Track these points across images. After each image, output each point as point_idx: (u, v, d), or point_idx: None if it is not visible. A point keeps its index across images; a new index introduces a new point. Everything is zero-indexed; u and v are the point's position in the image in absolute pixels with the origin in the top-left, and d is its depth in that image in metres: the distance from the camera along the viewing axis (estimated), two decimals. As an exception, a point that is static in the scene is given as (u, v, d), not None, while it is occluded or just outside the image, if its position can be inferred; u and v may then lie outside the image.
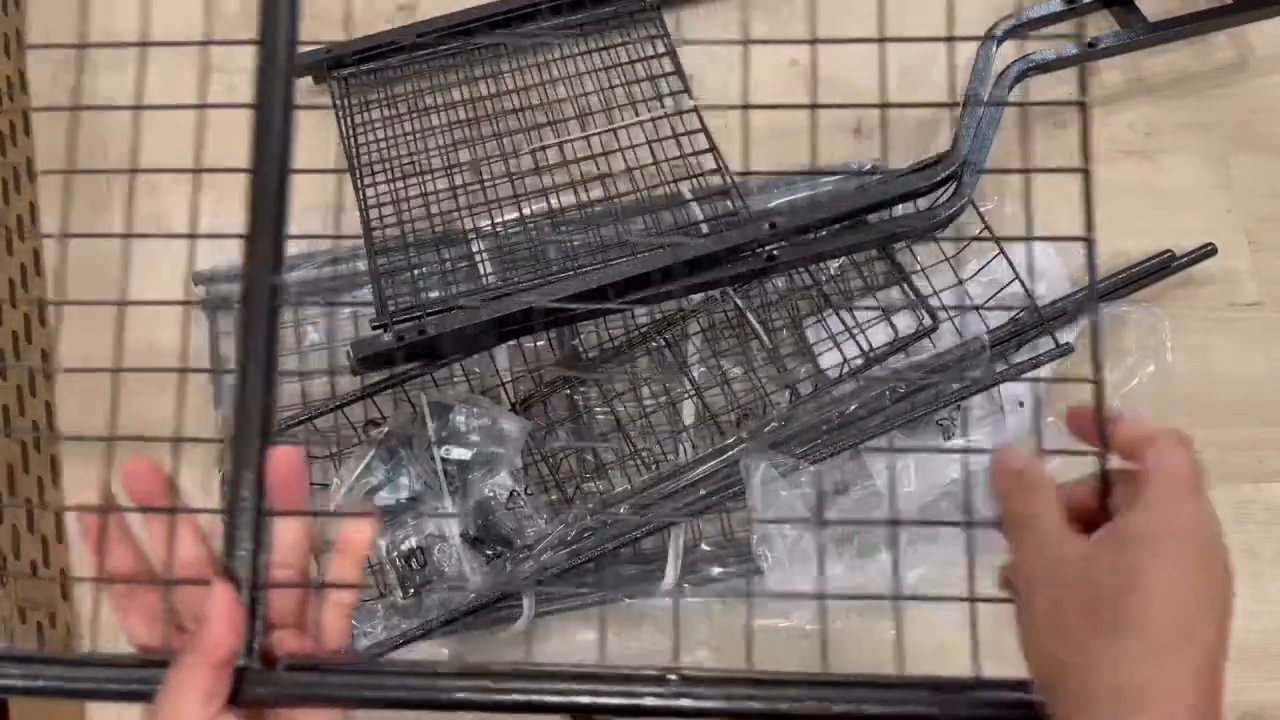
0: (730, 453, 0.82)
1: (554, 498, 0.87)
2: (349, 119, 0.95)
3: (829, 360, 0.89)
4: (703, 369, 0.91)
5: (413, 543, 0.81)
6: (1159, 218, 0.99)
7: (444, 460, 0.80)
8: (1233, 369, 0.95)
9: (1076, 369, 0.91)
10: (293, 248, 0.93)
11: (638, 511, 0.82)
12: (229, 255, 0.93)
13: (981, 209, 0.92)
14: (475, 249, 0.89)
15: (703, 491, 0.82)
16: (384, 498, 0.81)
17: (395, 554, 0.81)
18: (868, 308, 0.90)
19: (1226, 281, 0.97)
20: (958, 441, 0.86)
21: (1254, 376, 0.95)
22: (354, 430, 0.88)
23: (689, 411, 0.89)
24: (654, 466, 0.87)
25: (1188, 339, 0.93)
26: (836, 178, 0.96)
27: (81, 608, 0.87)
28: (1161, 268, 0.94)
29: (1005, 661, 0.78)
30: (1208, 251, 0.95)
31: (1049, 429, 0.87)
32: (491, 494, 0.82)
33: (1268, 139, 1.03)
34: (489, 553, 0.81)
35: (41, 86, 1.03)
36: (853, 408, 0.84)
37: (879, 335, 0.89)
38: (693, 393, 0.89)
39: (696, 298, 0.91)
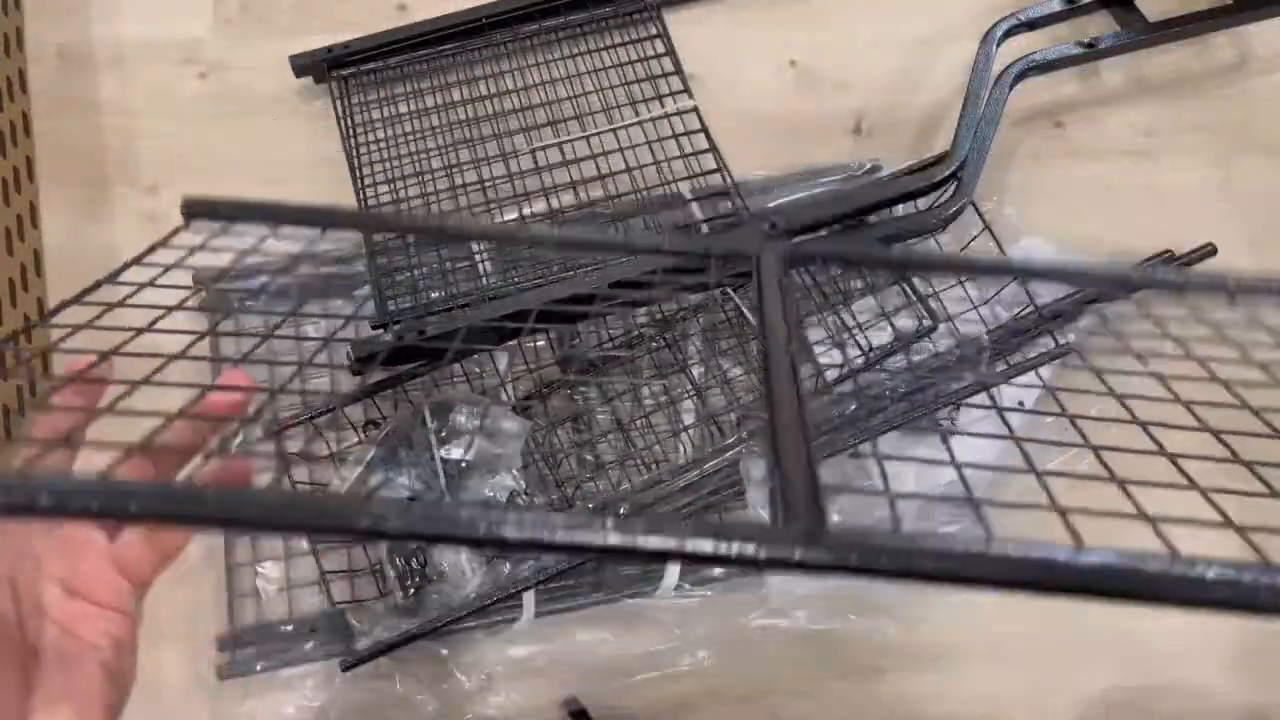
0: (730, 453, 0.82)
1: (554, 498, 0.87)
2: (349, 119, 0.95)
3: (829, 360, 0.89)
4: (702, 369, 0.91)
5: (411, 543, 0.81)
6: (1159, 218, 0.99)
7: (444, 460, 0.80)
8: (1232, 368, 0.95)
9: (1077, 369, 0.91)
10: (292, 247, 0.94)
11: (638, 512, 0.82)
12: (228, 256, 0.93)
13: (981, 209, 0.92)
14: (475, 249, 0.89)
15: (704, 491, 0.82)
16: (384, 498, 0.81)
17: (395, 554, 0.81)
18: (865, 292, 0.90)
19: (1227, 281, 0.97)
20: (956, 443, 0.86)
21: (1254, 377, 0.95)
22: (354, 430, 0.88)
23: (689, 411, 0.89)
24: (654, 466, 0.87)
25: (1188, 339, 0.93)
26: (836, 178, 0.97)
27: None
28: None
29: (1003, 662, 0.78)
30: (1208, 251, 0.95)
31: (1049, 429, 0.87)
32: (492, 494, 0.82)
33: (1268, 139, 1.03)
34: (489, 552, 0.81)
35: (41, 87, 1.03)
36: (853, 408, 0.84)
37: (879, 335, 0.89)
38: (693, 393, 0.89)
39: (695, 297, 0.91)
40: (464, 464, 0.80)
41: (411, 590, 0.80)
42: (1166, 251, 0.95)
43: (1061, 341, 0.86)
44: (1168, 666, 0.86)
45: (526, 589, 0.80)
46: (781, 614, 0.85)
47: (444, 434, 0.80)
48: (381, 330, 0.79)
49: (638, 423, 0.89)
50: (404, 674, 0.83)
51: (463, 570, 0.79)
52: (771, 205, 0.93)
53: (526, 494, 0.82)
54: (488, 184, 0.90)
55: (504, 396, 0.89)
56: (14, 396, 0.87)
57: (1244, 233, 0.99)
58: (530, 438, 0.85)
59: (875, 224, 0.88)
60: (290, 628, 0.83)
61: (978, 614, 0.85)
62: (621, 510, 0.82)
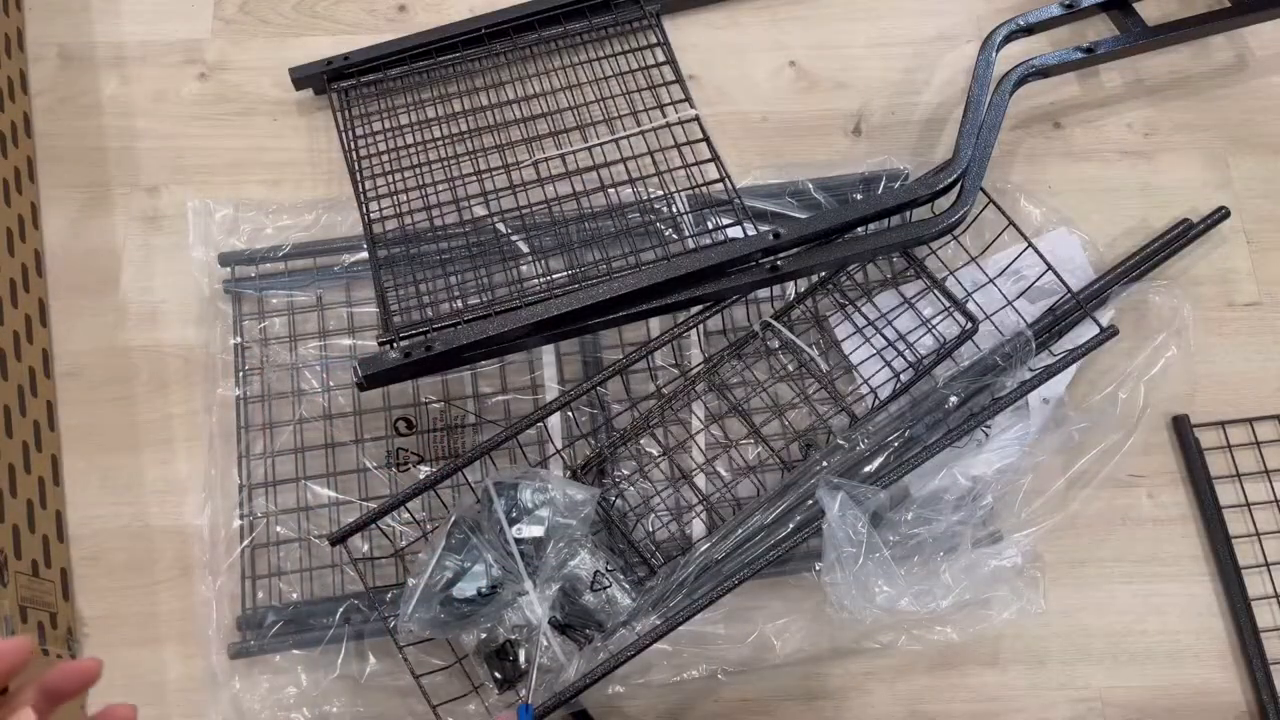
0: (805, 487, 0.82)
1: (640, 575, 0.84)
2: (350, 132, 0.94)
3: (878, 379, 0.89)
4: (750, 403, 0.90)
5: (500, 636, 0.77)
6: (1158, 217, 0.99)
7: (518, 540, 0.76)
8: (1232, 368, 0.96)
9: (1098, 357, 0.91)
10: (296, 264, 0.93)
11: (719, 575, 0.80)
12: (238, 249, 0.94)
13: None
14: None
15: (781, 534, 0.81)
16: (463, 590, 0.76)
17: (485, 651, 0.77)
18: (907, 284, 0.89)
19: (1225, 281, 0.98)
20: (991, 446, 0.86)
21: (1253, 376, 0.95)
22: (416, 525, 0.85)
23: (750, 452, 0.89)
24: (733, 511, 0.86)
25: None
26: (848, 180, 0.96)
27: (82, 608, 0.87)
28: (1180, 235, 0.96)
29: (1003, 662, 0.77)
30: (1222, 215, 0.96)
31: (1071, 421, 0.86)
32: (575, 577, 0.78)
33: (1266, 139, 1.03)
34: (580, 638, 0.79)
35: (42, 87, 1.02)
36: (913, 425, 0.83)
37: (916, 345, 0.90)
38: (752, 435, 0.89)
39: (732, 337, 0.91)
40: (538, 540, 0.77)
41: (506, 685, 0.77)
42: (1184, 220, 0.96)
43: (1104, 325, 0.86)
44: (1168, 666, 0.87)
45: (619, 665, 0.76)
46: (782, 615, 0.86)
47: (512, 513, 0.77)
48: (388, 346, 0.78)
49: (701, 468, 0.88)
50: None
51: (557, 658, 0.75)
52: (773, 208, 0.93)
53: (608, 569, 0.79)
54: (490, 196, 0.89)
55: (561, 464, 0.87)
56: (14, 396, 0.87)
57: (1242, 233, 0.99)
58: (599, 502, 0.83)
59: (878, 233, 0.87)
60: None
61: (978, 614, 0.85)
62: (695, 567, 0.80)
